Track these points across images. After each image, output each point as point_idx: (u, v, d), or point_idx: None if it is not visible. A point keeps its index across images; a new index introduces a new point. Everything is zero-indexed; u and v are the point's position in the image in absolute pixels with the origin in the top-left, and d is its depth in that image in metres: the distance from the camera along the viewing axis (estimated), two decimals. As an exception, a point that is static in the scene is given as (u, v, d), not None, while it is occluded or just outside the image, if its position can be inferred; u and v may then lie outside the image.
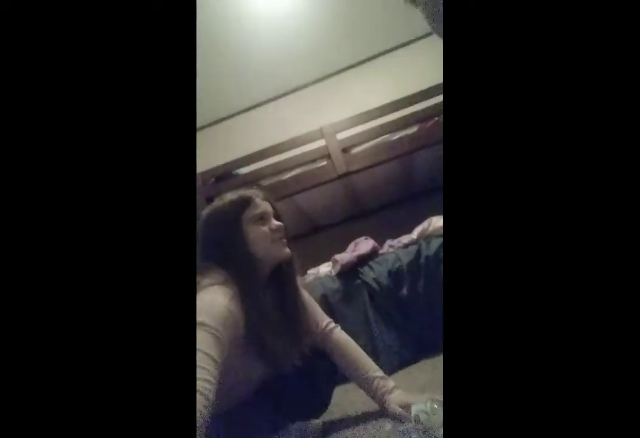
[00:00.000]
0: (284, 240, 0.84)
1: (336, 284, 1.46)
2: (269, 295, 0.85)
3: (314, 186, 1.83)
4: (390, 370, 1.23)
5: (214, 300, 0.68)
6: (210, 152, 2.33)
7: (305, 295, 0.93)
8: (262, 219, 0.83)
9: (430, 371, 1.11)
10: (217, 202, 0.87)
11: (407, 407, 0.76)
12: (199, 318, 0.63)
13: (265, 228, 0.82)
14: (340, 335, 0.91)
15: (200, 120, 2.74)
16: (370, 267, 1.47)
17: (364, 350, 0.91)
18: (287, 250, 0.84)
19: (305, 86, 2.71)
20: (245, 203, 0.83)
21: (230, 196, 0.86)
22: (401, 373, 1.23)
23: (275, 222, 0.83)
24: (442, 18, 0.44)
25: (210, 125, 2.79)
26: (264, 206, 0.84)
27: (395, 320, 1.38)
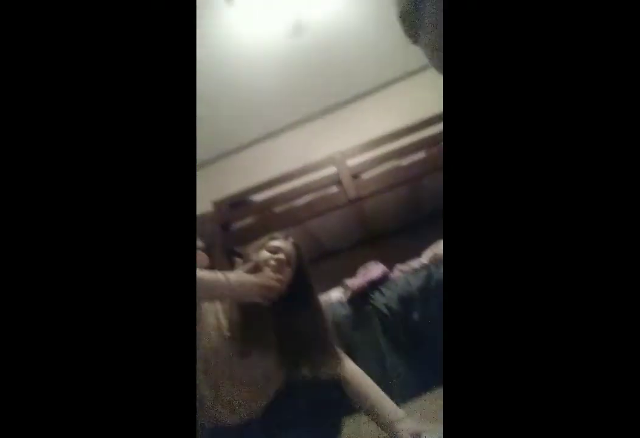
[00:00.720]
0: (278, 273, 0.89)
1: (347, 310, 1.46)
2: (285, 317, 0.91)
3: (325, 211, 1.87)
4: (401, 399, 1.20)
5: None
6: (227, 181, 2.41)
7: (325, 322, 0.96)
8: (274, 251, 0.94)
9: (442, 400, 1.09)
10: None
11: (417, 436, 0.75)
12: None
13: (270, 255, 0.92)
14: (350, 365, 0.91)
15: (216, 151, 2.85)
16: (381, 292, 1.47)
17: (376, 378, 0.90)
18: (274, 281, 0.87)
19: (316, 116, 2.81)
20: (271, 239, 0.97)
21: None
22: (413, 402, 1.21)
23: (280, 255, 0.92)
24: (441, 54, 0.45)
25: (226, 155, 2.90)
26: (284, 245, 0.96)
27: (406, 346, 1.37)
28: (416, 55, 2.59)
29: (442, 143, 1.82)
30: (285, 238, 0.99)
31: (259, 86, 2.45)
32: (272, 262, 0.91)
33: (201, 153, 2.48)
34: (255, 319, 0.87)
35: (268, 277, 0.85)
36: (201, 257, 0.98)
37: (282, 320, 0.91)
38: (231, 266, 1.83)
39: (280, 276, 0.88)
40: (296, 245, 0.98)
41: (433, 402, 1.10)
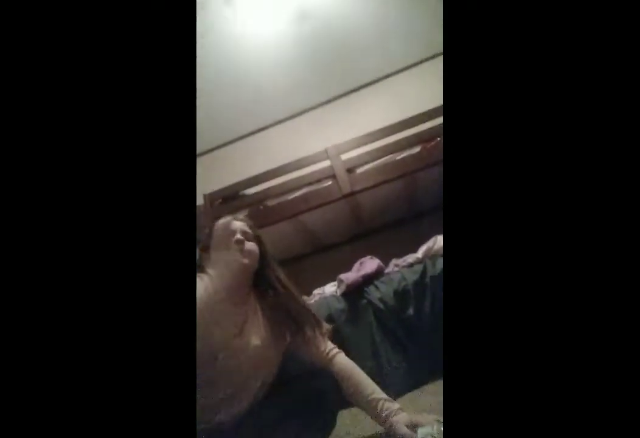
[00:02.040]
0: (244, 250, 0.91)
1: (342, 304, 1.45)
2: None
3: (319, 206, 1.85)
4: (396, 393, 1.20)
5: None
6: (218, 174, 2.38)
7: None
8: (231, 234, 0.93)
9: (437, 394, 1.08)
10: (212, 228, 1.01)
11: (413, 428, 0.75)
12: None
13: (229, 237, 0.93)
14: (343, 359, 0.91)
15: (208, 143, 2.81)
16: (376, 287, 1.46)
17: (370, 372, 0.90)
18: (245, 259, 0.90)
19: (310, 109, 2.78)
20: (223, 226, 0.96)
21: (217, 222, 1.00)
22: (408, 397, 1.20)
23: (238, 236, 0.92)
24: None
25: (218, 147, 2.86)
26: (237, 225, 0.95)
27: (401, 340, 1.36)
28: (413, 49, 2.58)
29: (438, 138, 1.82)
30: (241, 220, 0.99)
31: (255, 77, 2.42)
32: (240, 247, 0.91)
33: (193, 146, 2.44)
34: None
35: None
36: None
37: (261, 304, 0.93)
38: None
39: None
40: (250, 225, 0.99)
41: (428, 395, 1.10)
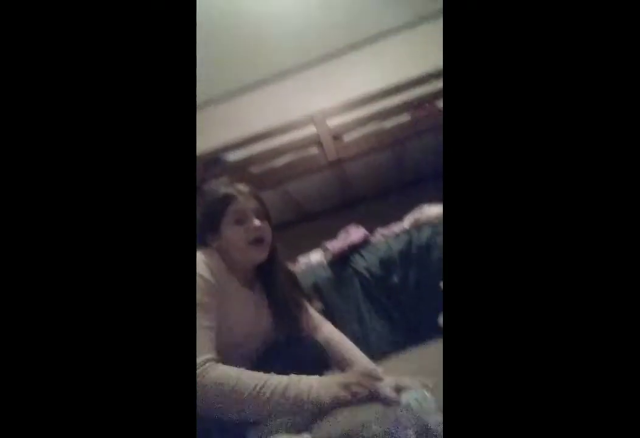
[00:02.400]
0: (263, 242, 0.81)
1: (327, 273, 1.46)
2: (258, 289, 0.88)
3: (304, 173, 1.81)
4: (381, 357, 1.23)
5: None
6: (198, 138, 2.28)
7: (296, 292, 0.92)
8: (242, 218, 0.81)
9: (420, 358, 1.12)
10: (207, 195, 0.87)
11: (398, 391, 0.76)
12: None
13: (242, 229, 0.80)
14: (328, 327, 0.92)
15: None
16: (361, 255, 1.46)
17: (355, 338, 0.91)
18: (263, 254, 0.82)
19: (296, 72, 2.65)
20: (226, 202, 0.82)
21: (217, 191, 0.85)
22: (391, 361, 1.24)
23: (255, 223, 0.80)
24: None
25: (198, 110, 2.72)
26: (247, 205, 0.82)
27: (386, 308, 1.39)
28: (404, 12, 2.46)
29: (427, 104, 1.77)
30: (249, 194, 0.86)
31: (232, 39, 2.25)
32: (257, 236, 0.81)
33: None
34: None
35: (356, 376, 0.72)
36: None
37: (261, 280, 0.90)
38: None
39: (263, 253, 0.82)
40: (257, 196, 0.87)
41: (411, 360, 1.13)
